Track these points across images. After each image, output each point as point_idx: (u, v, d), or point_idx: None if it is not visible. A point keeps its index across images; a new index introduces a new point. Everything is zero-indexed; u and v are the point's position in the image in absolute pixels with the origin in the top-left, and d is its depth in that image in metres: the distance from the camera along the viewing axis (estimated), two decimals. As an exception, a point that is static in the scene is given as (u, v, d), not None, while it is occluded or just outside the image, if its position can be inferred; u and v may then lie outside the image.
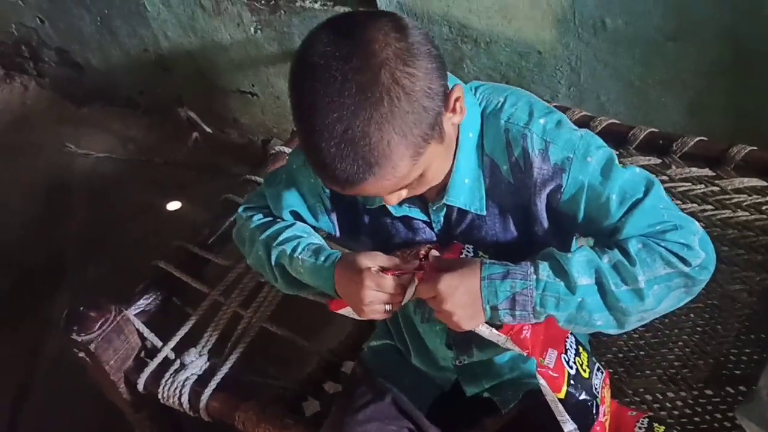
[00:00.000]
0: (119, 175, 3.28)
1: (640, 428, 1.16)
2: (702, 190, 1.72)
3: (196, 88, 3.25)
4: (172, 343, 1.67)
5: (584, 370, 1.14)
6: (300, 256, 1.16)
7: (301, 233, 1.21)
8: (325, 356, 1.63)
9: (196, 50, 3.08)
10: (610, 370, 1.48)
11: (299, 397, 1.58)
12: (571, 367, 1.11)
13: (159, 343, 1.68)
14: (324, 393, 1.59)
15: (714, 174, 1.75)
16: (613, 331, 1.09)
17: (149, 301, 1.73)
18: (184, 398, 1.59)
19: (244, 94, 3.10)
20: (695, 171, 1.76)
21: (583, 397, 1.12)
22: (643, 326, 1.51)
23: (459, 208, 1.13)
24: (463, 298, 1.04)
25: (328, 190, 1.18)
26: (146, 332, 1.67)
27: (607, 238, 1.09)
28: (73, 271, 2.84)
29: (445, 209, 1.14)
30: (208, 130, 3.24)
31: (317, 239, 1.21)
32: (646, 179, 1.08)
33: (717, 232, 1.63)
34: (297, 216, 1.25)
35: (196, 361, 1.64)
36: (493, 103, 1.09)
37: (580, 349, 1.16)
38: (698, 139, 1.80)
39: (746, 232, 1.59)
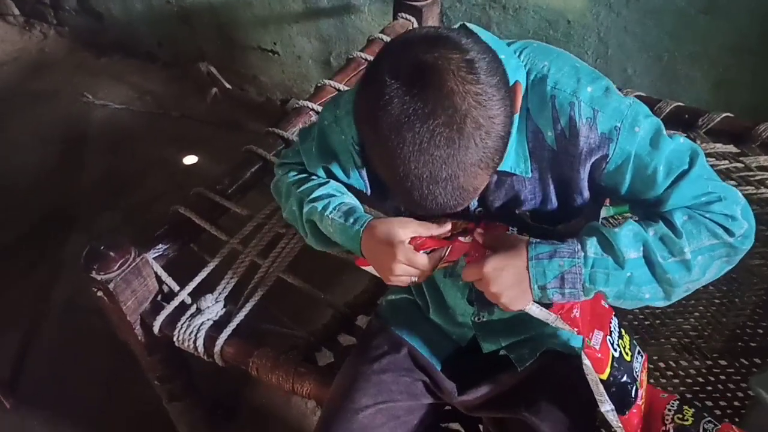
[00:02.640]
0: (136, 127, 3.28)
1: (670, 410, 1.17)
2: (726, 166, 1.73)
3: (216, 44, 3.24)
4: (189, 288, 1.68)
5: (627, 353, 1.15)
6: (330, 216, 1.17)
7: (335, 192, 1.22)
8: (341, 309, 1.64)
9: (219, 4, 3.06)
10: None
11: (313, 348, 1.59)
12: (615, 350, 1.13)
13: (176, 288, 1.69)
14: (338, 345, 1.60)
15: (738, 151, 1.76)
16: (660, 303, 1.08)
17: (168, 246, 1.73)
18: (199, 342, 1.61)
19: (264, 52, 3.09)
20: (720, 147, 1.77)
21: (624, 379, 1.13)
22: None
23: (500, 172, 1.10)
24: (511, 279, 1.04)
25: (358, 147, 1.17)
26: (164, 276, 1.68)
27: (649, 208, 1.08)
28: (86, 219, 2.85)
29: None
30: (228, 86, 3.23)
31: (350, 199, 1.21)
32: (691, 149, 1.07)
33: (739, 206, 1.63)
34: (329, 172, 1.25)
35: (213, 307, 1.65)
36: (537, 67, 1.06)
37: (623, 332, 1.17)
38: (724, 115, 1.80)
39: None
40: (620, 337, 1.16)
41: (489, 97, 0.91)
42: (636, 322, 1.51)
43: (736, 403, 1.34)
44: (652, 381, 1.40)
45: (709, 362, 1.41)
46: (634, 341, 1.20)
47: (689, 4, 1.95)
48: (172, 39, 3.43)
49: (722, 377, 1.38)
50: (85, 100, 3.42)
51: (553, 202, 1.13)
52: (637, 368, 1.17)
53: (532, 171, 1.10)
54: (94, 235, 2.71)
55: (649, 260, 1.03)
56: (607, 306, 1.16)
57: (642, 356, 1.20)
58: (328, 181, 1.24)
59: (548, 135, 1.06)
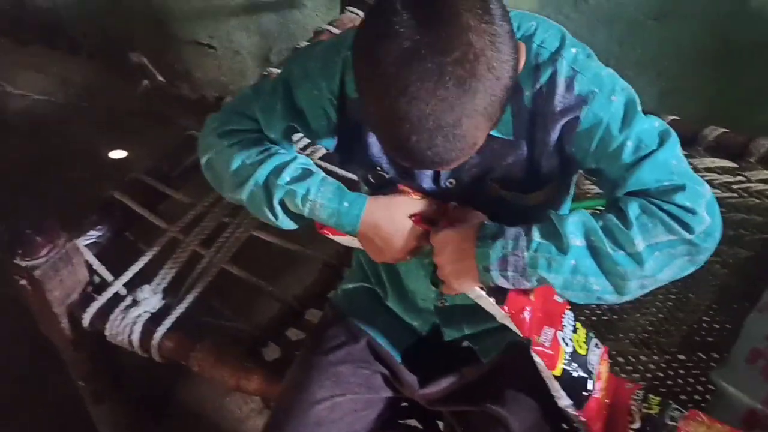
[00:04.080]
0: (58, 119, 3.10)
1: (635, 400, 1.15)
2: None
3: (147, 36, 3.11)
4: (124, 278, 1.56)
5: (581, 347, 1.14)
6: (317, 200, 1.08)
7: (307, 168, 1.12)
8: (289, 302, 1.55)
9: (153, -6, 2.94)
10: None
11: (259, 342, 1.50)
12: (567, 345, 1.11)
13: (110, 277, 1.56)
14: (286, 339, 1.51)
15: (686, 153, 1.77)
16: (613, 299, 1.02)
17: (101, 233, 1.61)
18: (135, 336, 1.49)
19: (200, 46, 2.98)
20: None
21: (578, 374, 1.12)
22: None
23: None
24: (455, 253, 1.04)
25: (336, 102, 1.09)
26: (96, 264, 1.56)
27: (612, 189, 1.04)
28: (2, 212, 2.65)
29: None
30: (161, 78, 3.08)
31: (329, 178, 1.12)
32: (664, 130, 1.03)
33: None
34: (292, 131, 1.16)
35: (150, 299, 1.53)
36: (525, 26, 1.03)
37: (578, 325, 1.16)
38: (672, 118, 1.82)
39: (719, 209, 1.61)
40: (574, 331, 1.14)
41: (503, 41, 0.86)
42: (594, 318, 1.50)
43: (696, 397, 1.34)
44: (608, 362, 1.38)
45: (667, 357, 1.41)
46: (591, 334, 1.18)
47: (639, 10, 1.98)
48: (100, 29, 3.27)
49: (681, 371, 1.38)
50: (2, 90, 3.21)
51: (524, 167, 1.08)
52: (594, 361, 1.15)
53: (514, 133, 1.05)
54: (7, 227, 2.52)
55: (595, 250, 0.98)
56: (561, 301, 1.15)
57: (600, 348, 1.18)
58: (295, 156, 1.13)
59: (526, 94, 1.01)
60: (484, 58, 0.84)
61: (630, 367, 1.40)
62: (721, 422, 1.10)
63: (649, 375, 1.38)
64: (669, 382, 1.36)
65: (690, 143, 1.78)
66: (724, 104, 1.99)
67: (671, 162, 1.00)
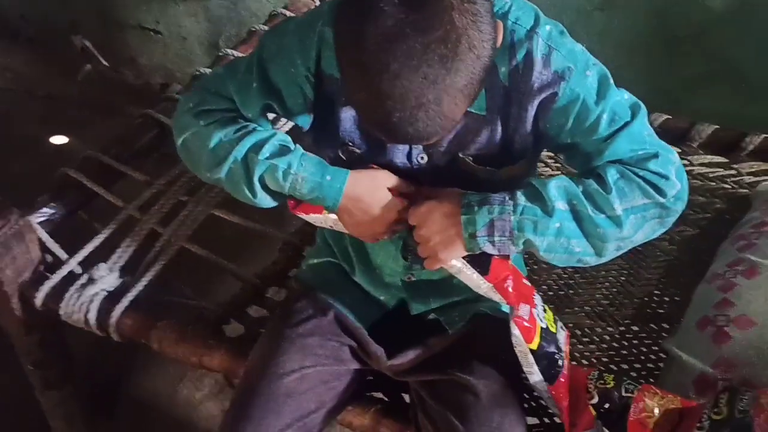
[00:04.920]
0: (-4, 106, 2.99)
1: (591, 379, 1.18)
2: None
3: (90, 20, 3.03)
4: (79, 257, 1.52)
5: (552, 326, 1.18)
6: (300, 174, 1.08)
7: (287, 143, 1.11)
8: (250, 280, 1.54)
9: (97, -24, 2.87)
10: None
11: (221, 320, 1.48)
12: (542, 321, 1.15)
13: (64, 256, 1.52)
14: (248, 317, 1.50)
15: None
16: (592, 260, 1.08)
17: (54, 211, 1.57)
18: (92, 314, 1.45)
19: (145, 31, 2.92)
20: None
21: (551, 349, 1.15)
22: (571, 268, 1.57)
23: None
24: (440, 223, 1.05)
25: (313, 79, 1.09)
26: (50, 242, 1.52)
27: (586, 162, 1.09)
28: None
29: None
30: (105, 63, 3.02)
31: (309, 153, 1.12)
32: (634, 102, 1.09)
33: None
34: (269, 109, 1.15)
35: (107, 277, 1.50)
36: (499, 4, 1.04)
37: (546, 308, 1.20)
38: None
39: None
40: (544, 311, 1.19)
41: (484, 20, 0.88)
42: (551, 293, 1.54)
43: (649, 365, 1.39)
44: (569, 347, 1.42)
45: (622, 328, 1.45)
46: (556, 317, 1.22)
47: (586, 0, 2.04)
48: (39, 13, 3.16)
49: (635, 342, 1.43)
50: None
51: (497, 143, 1.10)
52: (561, 341, 1.20)
53: (486, 110, 1.07)
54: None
55: (577, 213, 1.03)
56: (528, 285, 1.19)
57: (564, 330, 1.23)
58: (274, 133, 1.12)
59: (501, 71, 1.04)
60: (465, 38, 0.86)
61: (586, 339, 1.44)
62: (672, 393, 1.15)
63: (604, 345, 1.43)
64: (624, 352, 1.41)
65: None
66: (666, 91, 2.07)
67: (644, 132, 1.07)
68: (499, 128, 1.09)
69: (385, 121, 0.89)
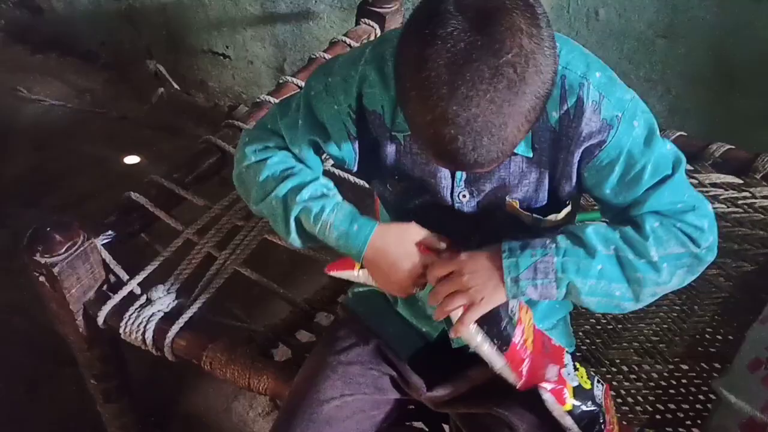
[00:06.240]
0: (72, 126, 3.14)
1: None
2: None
3: (163, 45, 3.16)
4: (139, 278, 1.59)
5: (585, 383, 1.17)
6: (329, 220, 1.12)
7: (326, 191, 1.16)
8: (300, 305, 1.58)
9: (170, 4, 2.99)
10: (588, 341, 1.49)
11: (270, 343, 1.52)
12: (573, 380, 1.14)
13: (125, 277, 1.59)
14: (296, 341, 1.54)
15: (692, 168, 1.80)
16: (630, 305, 1.09)
17: (118, 233, 1.64)
18: (149, 334, 1.52)
19: (215, 56, 3.03)
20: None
21: (589, 407, 1.14)
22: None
23: None
24: (483, 268, 1.06)
25: (354, 115, 1.13)
26: (113, 264, 1.59)
27: (624, 210, 1.10)
28: (7, 216, 2.69)
29: None
30: (176, 86, 3.14)
31: (343, 200, 1.16)
32: (676, 155, 1.09)
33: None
34: (316, 146, 1.19)
35: (164, 298, 1.56)
36: None
37: (578, 365, 1.19)
38: (679, 134, 1.85)
39: (723, 223, 1.64)
40: (575, 369, 1.18)
41: (549, 46, 0.89)
42: (599, 326, 1.52)
43: (698, 406, 1.36)
44: (615, 383, 1.40)
45: (671, 366, 1.43)
46: (591, 372, 1.22)
47: (649, 27, 2.01)
48: (116, 38, 3.32)
49: (684, 381, 1.40)
50: (18, 95, 3.26)
51: (545, 188, 1.12)
52: (599, 395, 1.18)
53: (532, 152, 1.08)
54: (15, 232, 2.55)
55: (618, 257, 1.05)
56: (557, 345, 1.19)
57: (602, 384, 1.21)
58: (317, 177, 1.18)
59: (552, 115, 1.05)
60: (533, 61, 0.87)
61: (633, 376, 1.42)
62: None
63: (651, 384, 1.40)
64: (671, 391, 1.38)
65: (696, 159, 1.81)
66: (729, 121, 2.02)
67: (683, 185, 1.09)
68: (547, 174, 1.11)
69: (449, 145, 0.88)
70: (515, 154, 1.08)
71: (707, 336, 1.47)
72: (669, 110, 2.12)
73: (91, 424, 1.90)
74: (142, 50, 3.21)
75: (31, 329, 1.66)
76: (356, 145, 1.16)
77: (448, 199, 1.15)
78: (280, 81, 2.00)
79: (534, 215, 1.13)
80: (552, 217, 1.14)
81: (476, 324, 1.07)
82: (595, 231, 1.06)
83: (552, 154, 1.08)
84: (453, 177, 1.14)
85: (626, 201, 1.09)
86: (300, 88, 1.96)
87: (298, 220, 1.14)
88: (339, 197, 1.16)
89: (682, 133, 1.85)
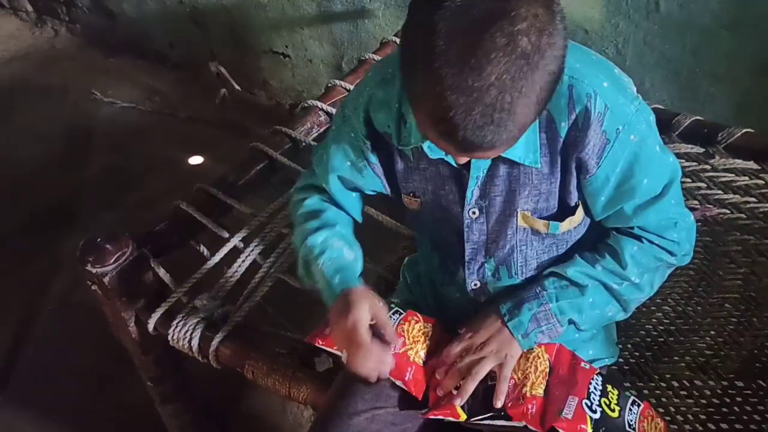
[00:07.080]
0: (143, 127, 3.25)
1: None
2: (745, 182, 1.69)
3: (227, 46, 3.21)
4: (186, 286, 1.62)
5: (612, 410, 1.13)
6: (322, 265, 1.17)
7: (336, 239, 1.20)
8: (342, 314, 1.58)
9: (232, 6, 3.04)
10: (636, 353, 1.43)
11: (312, 352, 1.53)
12: (595, 411, 1.12)
13: (173, 285, 1.63)
14: (338, 350, 1.54)
15: (759, 167, 1.71)
16: (621, 316, 1.22)
17: (167, 242, 1.68)
18: (194, 342, 1.55)
19: (276, 55, 3.06)
20: (740, 163, 1.71)
21: None
22: (674, 313, 1.48)
23: (507, 161, 1.07)
24: (493, 335, 1.16)
25: (369, 141, 1.15)
26: (161, 272, 1.63)
27: (613, 223, 1.15)
28: (86, 216, 2.81)
29: (491, 160, 1.09)
30: (238, 87, 3.19)
31: (348, 253, 1.20)
32: (672, 172, 1.11)
33: (759, 224, 1.60)
34: (344, 181, 1.23)
35: (209, 306, 1.59)
36: None
37: (609, 388, 1.16)
38: (745, 131, 1.75)
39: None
40: (604, 395, 1.14)
41: (560, 20, 0.85)
42: (649, 339, 1.45)
43: (752, 426, 1.27)
44: (664, 400, 1.34)
45: (724, 383, 1.35)
46: (626, 393, 1.17)
47: (713, 19, 1.90)
48: (184, 40, 3.40)
49: (738, 399, 1.32)
50: (93, 98, 3.39)
51: (555, 196, 1.11)
52: (632, 420, 1.13)
53: (541, 163, 1.06)
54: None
55: (604, 284, 1.16)
56: (588, 367, 1.18)
57: (639, 405, 1.16)
58: (335, 225, 1.22)
59: (561, 125, 1.02)
60: (547, 33, 0.82)
61: (684, 393, 1.35)
62: None
63: (703, 401, 1.32)
64: (724, 410, 1.30)
65: (763, 157, 1.72)
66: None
67: (671, 203, 1.12)
68: (557, 183, 1.09)
69: (461, 118, 0.83)
70: (525, 166, 1.06)
71: (766, 351, 1.38)
72: (738, 103, 2.01)
73: (155, 425, 1.96)
74: (208, 51, 3.28)
75: (102, 330, 1.73)
76: (378, 170, 1.19)
77: (460, 214, 1.15)
78: (329, 84, 2.00)
79: (551, 222, 1.13)
80: (568, 220, 1.13)
81: None
82: (577, 270, 1.14)
83: (563, 162, 1.07)
84: (463, 190, 1.13)
85: (618, 214, 1.12)
86: (347, 91, 1.96)
87: (305, 261, 1.22)
88: (346, 250, 1.20)
89: (748, 129, 1.74)
